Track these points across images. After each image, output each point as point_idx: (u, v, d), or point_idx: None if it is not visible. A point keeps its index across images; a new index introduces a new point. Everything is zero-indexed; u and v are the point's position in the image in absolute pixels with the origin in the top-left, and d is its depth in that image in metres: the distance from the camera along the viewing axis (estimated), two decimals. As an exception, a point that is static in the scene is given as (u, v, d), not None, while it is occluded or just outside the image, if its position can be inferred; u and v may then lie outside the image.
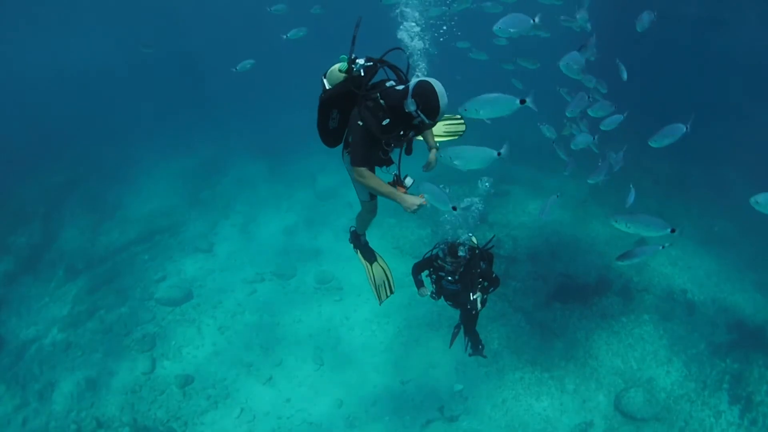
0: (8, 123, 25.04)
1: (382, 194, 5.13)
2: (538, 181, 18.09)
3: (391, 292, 6.97)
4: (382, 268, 6.87)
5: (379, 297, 6.94)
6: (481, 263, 7.34)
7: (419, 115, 4.63)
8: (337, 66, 5.07)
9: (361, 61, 4.95)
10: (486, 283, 7.48)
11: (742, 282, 14.81)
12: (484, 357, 8.93)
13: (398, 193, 5.05)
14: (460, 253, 6.97)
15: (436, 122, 4.77)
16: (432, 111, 4.57)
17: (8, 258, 16.86)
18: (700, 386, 12.23)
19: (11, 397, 12.73)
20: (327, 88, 5.15)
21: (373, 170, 5.16)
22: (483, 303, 7.50)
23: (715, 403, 11.92)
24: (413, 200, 4.98)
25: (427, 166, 5.94)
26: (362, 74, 4.95)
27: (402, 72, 5.08)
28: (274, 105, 30.32)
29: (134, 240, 18.10)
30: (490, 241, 7.72)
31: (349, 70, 5.00)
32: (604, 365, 12.66)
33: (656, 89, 24.70)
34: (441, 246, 7.30)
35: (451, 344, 8.96)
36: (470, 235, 7.54)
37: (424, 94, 4.55)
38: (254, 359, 13.33)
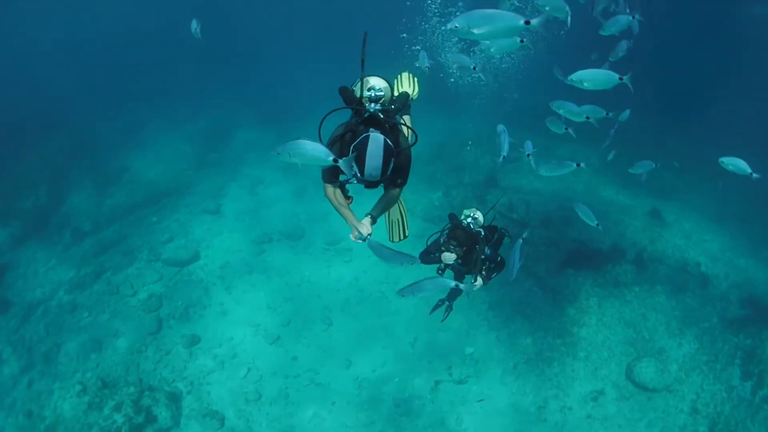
0: (15, 89, 24.91)
1: (339, 214, 5.39)
2: (549, 148, 17.79)
3: (405, 236, 6.86)
4: (399, 208, 6.79)
5: (391, 235, 6.88)
6: (486, 249, 7.17)
7: (353, 166, 4.68)
8: (369, 85, 5.07)
9: (374, 106, 4.85)
10: (492, 265, 7.31)
11: (756, 259, 14.62)
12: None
13: (352, 219, 5.25)
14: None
15: (367, 181, 4.85)
16: (360, 166, 4.66)
17: (15, 222, 16.81)
18: (712, 360, 12.08)
19: (17, 359, 12.72)
20: (350, 88, 5.26)
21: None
22: (485, 282, 7.34)
23: (727, 377, 11.78)
24: (361, 229, 5.16)
25: (353, 233, 5.37)
26: (365, 114, 4.87)
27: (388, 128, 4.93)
28: (282, 71, 30.23)
29: (141, 202, 18.01)
30: (492, 208, 7.53)
31: (361, 99, 5.02)
32: (616, 334, 12.53)
33: (673, 70, 24.50)
34: (445, 230, 7.15)
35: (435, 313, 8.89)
36: (474, 215, 7.30)
37: (361, 147, 4.64)
38: (262, 319, 13.25)
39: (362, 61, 5.02)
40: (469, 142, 9.60)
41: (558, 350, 12.24)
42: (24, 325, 13.62)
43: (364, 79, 5.10)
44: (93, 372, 12.01)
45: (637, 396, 11.45)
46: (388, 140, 4.69)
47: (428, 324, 12.83)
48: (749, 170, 8.65)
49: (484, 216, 7.37)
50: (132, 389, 11.27)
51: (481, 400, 11.44)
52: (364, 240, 5.20)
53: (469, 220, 7.12)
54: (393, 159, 4.75)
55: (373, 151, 4.62)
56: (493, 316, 12.87)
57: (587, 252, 13.83)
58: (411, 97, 6.65)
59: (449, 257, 6.94)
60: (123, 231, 16.65)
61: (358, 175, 4.75)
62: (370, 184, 5.04)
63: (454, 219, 7.27)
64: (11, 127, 20.51)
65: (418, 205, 16.35)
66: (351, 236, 5.26)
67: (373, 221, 5.39)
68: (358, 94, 5.04)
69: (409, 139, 6.04)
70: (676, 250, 14.29)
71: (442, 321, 8.82)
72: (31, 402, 11.59)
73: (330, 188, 5.31)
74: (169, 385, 11.77)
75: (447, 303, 8.70)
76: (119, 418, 10.68)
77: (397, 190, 5.37)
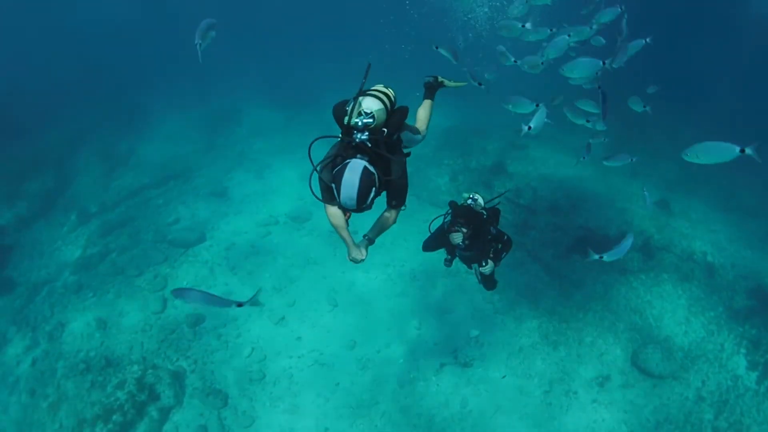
0: (22, 73, 24.98)
1: (338, 234, 5.34)
2: (556, 137, 17.80)
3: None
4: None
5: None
6: (491, 228, 7.07)
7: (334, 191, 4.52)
8: (360, 108, 4.76)
9: (360, 136, 4.62)
10: (499, 246, 7.22)
11: (763, 251, 14.53)
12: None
13: (349, 241, 5.27)
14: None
15: (343, 209, 4.75)
16: (338, 194, 4.45)
17: (21, 204, 16.85)
18: (717, 349, 12.02)
19: (21, 338, 12.77)
20: (342, 106, 4.93)
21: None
22: (496, 264, 7.22)
23: (732, 366, 11.72)
24: (356, 254, 5.21)
25: (349, 255, 5.39)
26: (353, 140, 4.65)
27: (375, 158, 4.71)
28: (292, 58, 30.21)
29: (147, 185, 18.06)
30: (501, 195, 7.42)
31: (349, 126, 4.75)
32: (622, 320, 12.46)
33: (674, 60, 24.37)
34: (449, 214, 7.06)
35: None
36: (473, 196, 7.23)
37: (338, 176, 4.43)
38: (267, 299, 13.21)
39: (360, 89, 4.87)
40: (485, 87, 9.42)
41: (564, 335, 12.18)
42: (29, 305, 13.67)
43: (358, 101, 4.82)
44: (97, 351, 12.04)
45: (643, 382, 11.39)
46: (369, 168, 4.47)
47: (433, 306, 12.89)
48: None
49: (487, 201, 7.30)
50: (135, 367, 11.28)
51: (504, 377, 11.49)
52: (358, 263, 5.25)
53: (469, 201, 7.05)
54: (374, 189, 4.52)
55: (348, 181, 4.35)
56: (499, 300, 12.82)
57: (594, 239, 13.77)
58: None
59: (457, 237, 6.83)
60: (129, 213, 16.70)
61: (338, 200, 4.51)
62: (353, 212, 4.80)
63: (454, 204, 7.20)
64: (18, 111, 20.54)
65: (425, 189, 16.30)
66: (348, 257, 5.27)
67: (370, 243, 5.35)
68: (346, 120, 4.77)
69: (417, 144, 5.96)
70: (683, 239, 14.23)
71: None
72: (35, 380, 11.64)
73: (330, 208, 5.18)
74: (173, 363, 11.79)
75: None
76: (122, 396, 10.68)
77: (393, 212, 5.27)
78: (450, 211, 7.07)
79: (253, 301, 6.13)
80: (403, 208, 5.24)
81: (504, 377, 11.48)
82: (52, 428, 10.56)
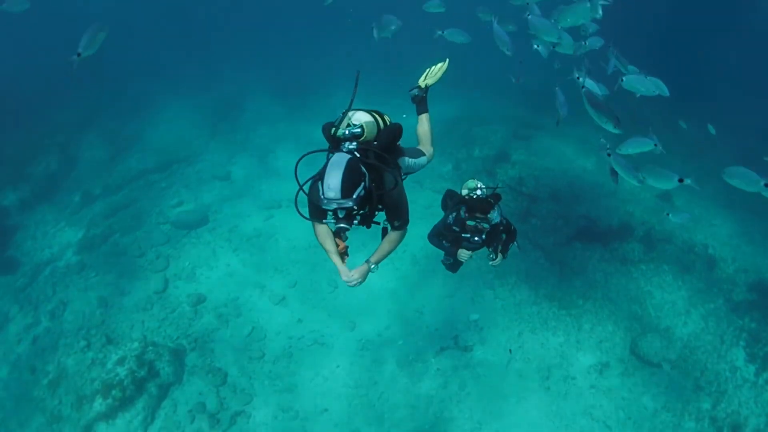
0: (28, 57, 25.02)
1: (325, 252, 4.99)
2: (560, 128, 17.72)
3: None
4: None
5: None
6: (502, 218, 6.84)
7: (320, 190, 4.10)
8: (349, 120, 4.59)
9: (348, 145, 4.40)
10: (504, 236, 7.01)
11: (764, 246, 14.52)
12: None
13: (337, 263, 4.88)
14: (490, 216, 6.24)
15: (338, 217, 4.22)
16: (322, 186, 4.01)
17: (25, 186, 16.94)
18: (717, 340, 12.05)
19: (23, 316, 12.87)
20: (331, 123, 4.69)
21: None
22: (504, 255, 7.01)
23: (731, 358, 11.74)
24: (347, 276, 4.76)
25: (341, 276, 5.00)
26: (341, 150, 4.37)
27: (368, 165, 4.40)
28: (295, 47, 30.20)
29: (151, 168, 18.09)
30: (497, 188, 7.21)
31: (336, 137, 4.53)
32: (621, 309, 12.51)
33: (688, 60, 24.34)
34: (459, 206, 6.50)
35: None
36: (480, 184, 6.92)
37: (323, 169, 4.07)
38: (268, 281, 13.31)
39: (351, 100, 4.67)
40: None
41: (563, 321, 12.23)
42: (31, 284, 13.78)
43: (347, 115, 4.66)
44: (98, 329, 12.10)
45: (642, 370, 11.43)
46: (360, 164, 4.14)
47: (434, 290, 12.94)
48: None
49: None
50: (136, 345, 11.30)
51: (510, 351, 11.60)
52: (352, 286, 4.85)
53: (478, 192, 6.60)
54: (363, 184, 4.09)
55: (333, 167, 3.96)
56: (499, 285, 12.86)
57: (595, 228, 13.82)
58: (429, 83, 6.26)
59: (464, 255, 6.55)
60: (132, 195, 16.78)
61: (322, 198, 4.01)
62: (341, 220, 4.25)
63: (454, 194, 6.91)
64: (25, 95, 20.60)
65: (427, 177, 16.18)
66: (342, 278, 4.85)
67: (370, 267, 4.87)
68: (334, 132, 4.57)
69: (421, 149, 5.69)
70: (685, 231, 14.22)
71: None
72: (36, 357, 11.72)
73: (318, 227, 4.92)
74: (173, 341, 11.85)
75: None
76: (122, 371, 10.71)
77: (396, 233, 4.90)
78: (458, 209, 6.53)
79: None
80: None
81: (510, 351, 11.57)
82: (51, 404, 10.59)
